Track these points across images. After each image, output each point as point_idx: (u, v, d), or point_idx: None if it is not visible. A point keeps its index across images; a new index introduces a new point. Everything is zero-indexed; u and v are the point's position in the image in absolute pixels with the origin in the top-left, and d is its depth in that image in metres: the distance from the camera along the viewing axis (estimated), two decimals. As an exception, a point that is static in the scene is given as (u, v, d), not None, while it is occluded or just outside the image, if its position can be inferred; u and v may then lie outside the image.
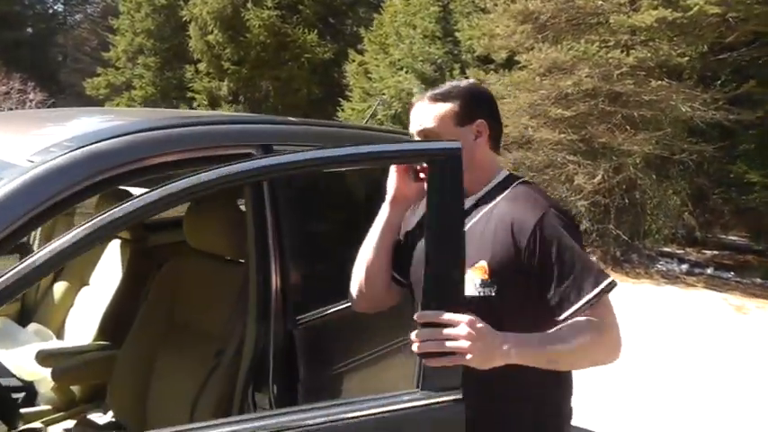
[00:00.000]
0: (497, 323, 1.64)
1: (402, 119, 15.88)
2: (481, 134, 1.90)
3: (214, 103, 20.89)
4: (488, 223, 1.80)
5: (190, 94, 21.55)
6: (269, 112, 18.98)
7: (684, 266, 11.96)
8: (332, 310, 2.22)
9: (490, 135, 1.92)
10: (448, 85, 1.96)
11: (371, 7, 20.45)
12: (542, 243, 1.72)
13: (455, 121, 1.87)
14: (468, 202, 1.84)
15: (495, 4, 12.28)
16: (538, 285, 1.74)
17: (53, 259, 1.29)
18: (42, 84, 22.00)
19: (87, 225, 1.30)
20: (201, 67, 21.51)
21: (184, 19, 21.35)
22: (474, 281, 1.75)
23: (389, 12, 17.56)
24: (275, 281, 2.04)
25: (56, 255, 1.28)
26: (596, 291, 1.71)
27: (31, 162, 1.56)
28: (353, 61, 18.17)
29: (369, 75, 17.35)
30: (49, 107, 16.61)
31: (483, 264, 1.75)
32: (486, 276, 1.75)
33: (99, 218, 1.31)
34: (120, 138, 1.72)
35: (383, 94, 16.05)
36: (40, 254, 1.27)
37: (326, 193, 2.72)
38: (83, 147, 1.62)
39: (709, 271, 11.82)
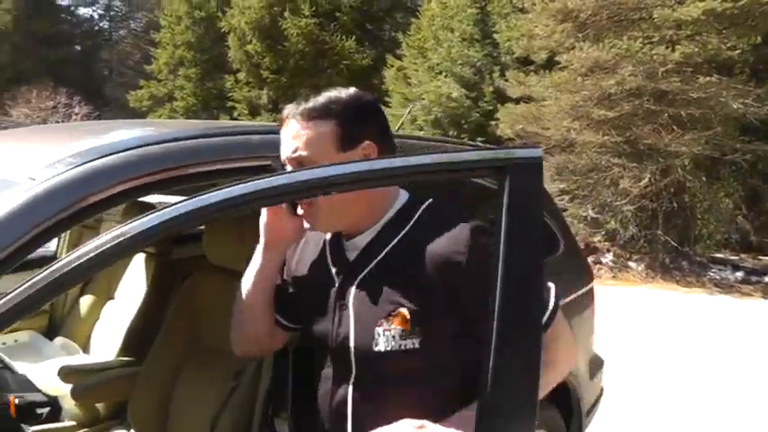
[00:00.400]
0: (424, 381, 1.47)
1: (442, 124, 15.76)
2: (370, 158, 1.54)
3: (254, 111, 21.07)
4: (399, 261, 1.52)
5: (230, 104, 21.83)
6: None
7: (739, 274, 11.46)
8: None
9: (380, 153, 1.55)
10: (325, 97, 1.57)
11: (409, 12, 20.44)
12: (477, 273, 1.43)
13: (336, 145, 1.52)
14: (364, 239, 1.57)
15: (534, 4, 12.12)
16: (474, 325, 1.45)
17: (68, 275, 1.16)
18: (88, 98, 22.55)
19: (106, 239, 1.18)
20: (241, 76, 21.79)
21: (223, 30, 21.68)
22: (392, 333, 1.47)
23: (427, 16, 17.48)
24: None
25: (70, 270, 1.16)
26: (544, 318, 1.49)
27: (33, 180, 1.53)
28: (392, 66, 18.12)
29: (408, 80, 17.27)
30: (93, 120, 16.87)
31: (402, 311, 1.47)
32: (407, 326, 1.46)
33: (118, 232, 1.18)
34: (128, 151, 1.65)
35: (422, 98, 15.94)
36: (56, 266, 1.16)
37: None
38: (85, 162, 1.58)
39: (766, 279, 11.30)
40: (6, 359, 3.24)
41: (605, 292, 8.19)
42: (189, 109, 23.27)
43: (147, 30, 30.12)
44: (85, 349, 3.52)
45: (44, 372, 3.14)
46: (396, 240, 1.54)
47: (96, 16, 36.56)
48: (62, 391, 3.02)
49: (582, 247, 10.01)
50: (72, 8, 34.21)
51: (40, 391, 3.08)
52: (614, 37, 10.88)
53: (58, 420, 3.05)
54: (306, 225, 1.57)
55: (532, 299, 1.39)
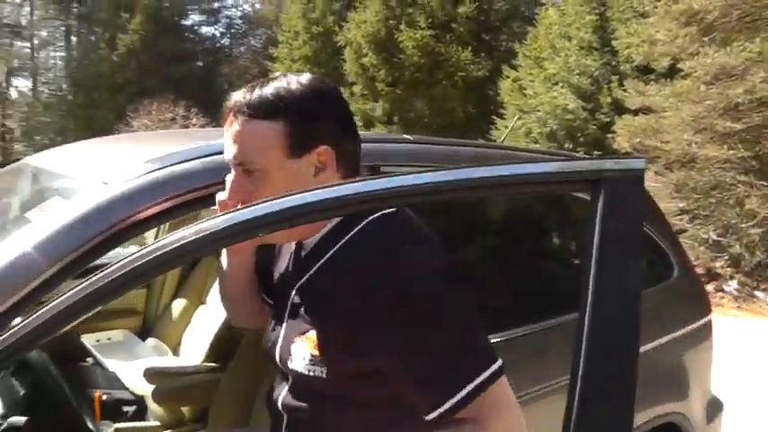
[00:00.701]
0: (333, 413, 1.32)
1: (558, 136, 15.31)
2: (325, 166, 1.34)
3: (369, 124, 21.34)
4: (324, 280, 1.36)
5: (345, 117, 22.10)
6: (423, 132, 19.02)
7: None
8: None
9: (339, 160, 1.35)
10: (273, 87, 1.33)
11: (526, 21, 20.17)
12: (399, 311, 1.23)
13: (285, 150, 1.31)
14: (308, 245, 1.43)
15: (655, 7, 11.60)
16: (390, 371, 1.27)
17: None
18: (207, 110, 23.52)
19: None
20: (356, 89, 22.08)
21: (339, 44, 22.05)
22: (302, 354, 1.33)
23: (544, 24, 17.21)
24: None
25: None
26: (478, 381, 1.23)
27: (105, 184, 1.60)
28: (507, 77, 17.88)
29: (523, 91, 16.98)
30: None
31: (313, 335, 1.32)
32: (317, 352, 1.31)
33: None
34: (201, 159, 1.69)
35: (538, 110, 15.62)
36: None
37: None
38: (160, 169, 1.63)
39: None
40: (98, 356, 3.39)
41: (727, 323, 7.60)
42: (304, 122, 23.89)
43: (266, 46, 31.15)
44: (176, 352, 3.66)
45: (134, 371, 3.23)
46: (327, 256, 1.38)
47: (218, 34, 38.31)
48: (148, 391, 3.10)
49: (701, 273, 9.51)
50: (196, 27, 36.10)
51: (127, 389, 3.18)
52: (745, 40, 10.26)
53: (143, 419, 3.14)
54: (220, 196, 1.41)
55: (625, 342, 1.18)
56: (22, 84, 39.67)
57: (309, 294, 1.38)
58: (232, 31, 38.90)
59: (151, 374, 2.99)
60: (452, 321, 1.27)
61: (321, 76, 1.42)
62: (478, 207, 2.69)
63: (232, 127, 1.34)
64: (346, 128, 1.39)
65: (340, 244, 1.37)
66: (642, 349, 1.21)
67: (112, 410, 2.96)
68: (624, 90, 13.37)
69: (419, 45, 19.95)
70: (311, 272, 1.39)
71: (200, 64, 32.87)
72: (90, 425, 2.05)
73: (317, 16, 24.56)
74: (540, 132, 15.78)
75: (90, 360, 3.33)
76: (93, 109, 27.02)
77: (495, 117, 17.84)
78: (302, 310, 1.37)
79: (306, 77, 1.36)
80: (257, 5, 40.45)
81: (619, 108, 13.78)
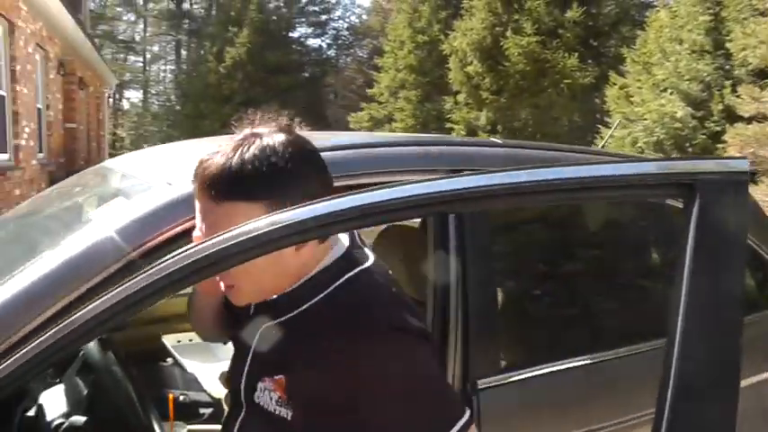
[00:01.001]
0: None
1: (664, 146, 14.85)
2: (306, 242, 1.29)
3: (472, 133, 21.19)
4: (294, 332, 1.35)
5: (448, 125, 22.22)
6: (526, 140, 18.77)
7: None
8: (529, 374, 1.90)
9: None
10: (249, 158, 1.24)
11: (636, 24, 19.53)
12: (364, 392, 1.27)
13: None
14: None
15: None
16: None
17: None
18: (311, 120, 24.00)
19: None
20: (460, 98, 22.08)
21: (444, 53, 22.08)
22: (271, 394, 1.35)
23: (654, 27, 16.55)
24: (455, 333, 1.80)
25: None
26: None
27: (169, 185, 1.59)
28: (614, 85, 17.38)
29: (630, 98, 16.47)
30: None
31: (281, 378, 1.33)
32: (284, 395, 1.33)
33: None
34: None
35: (645, 118, 15.12)
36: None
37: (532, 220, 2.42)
38: None
39: None
40: (178, 357, 3.41)
41: None
42: (407, 129, 23.97)
43: (371, 56, 31.84)
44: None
45: (213, 373, 3.23)
46: (300, 309, 1.35)
47: (324, 45, 39.20)
48: (223, 394, 3.13)
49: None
50: (302, 39, 37.06)
51: (205, 391, 3.20)
52: None
53: (219, 422, 3.20)
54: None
55: (722, 382, 1.05)
56: (133, 95, 41.90)
57: (284, 339, 1.37)
58: (338, 42, 39.71)
59: (225, 378, 2.90)
60: (423, 390, 1.29)
61: (295, 134, 1.34)
62: (567, 218, 2.55)
63: (204, 203, 1.28)
64: (324, 185, 1.33)
65: (314, 301, 1.34)
66: (745, 383, 1.08)
67: (188, 412, 2.97)
68: (738, 96, 12.83)
69: (525, 52, 19.68)
70: (281, 319, 1.38)
71: (306, 75, 33.55)
72: (156, 427, 2.05)
73: (422, 25, 24.79)
74: (647, 142, 15.19)
75: (170, 360, 3.39)
76: (199, 119, 27.97)
77: (600, 126, 17.39)
78: (275, 350, 1.37)
79: (280, 140, 1.28)
80: (364, 16, 41.24)
81: (731, 116, 13.22)
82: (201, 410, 3.11)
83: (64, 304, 1.39)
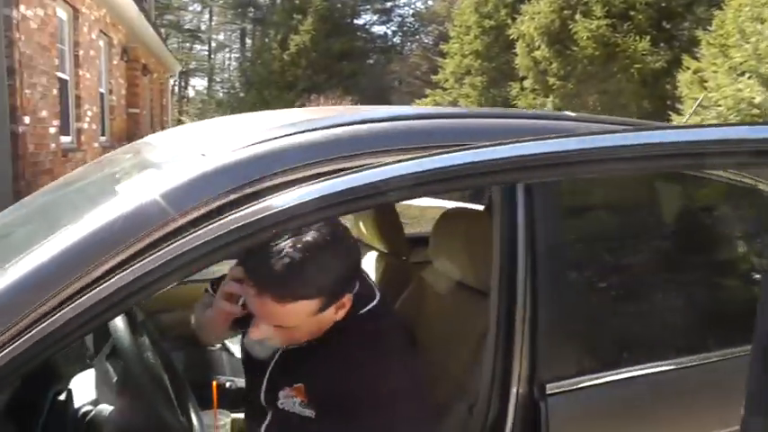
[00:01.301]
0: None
1: (741, 132, 14.28)
2: (345, 305, 1.55)
3: (538, 120, 20.93)
4: (311, 351, 1.62)
5: (514, 112, 21.95)
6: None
7: None
8: (606, 379, 1.77)
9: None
10: (298, 261, 1.39)
11: (713, 4, 18.72)
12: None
13: (316, 312, 1.49)
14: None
15: None
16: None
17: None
18: (375, 105, 24.25)
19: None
20: (527, 83, 21.80)
21: (511, 38, 21.85)
22: (293, 400, 1.61)
23: (733, 6, 15.73)
24: (521, 330, 1.68)
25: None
26: None
27: (203, 156, 1.51)
28: (687, 69, 16.77)
29: (704, 83, 15.86)
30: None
31: (300, 386, 1.60)
32: (305, 399, 1.59)
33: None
34: (317, 131, 1.52)
35: (719, 105, 14.53)
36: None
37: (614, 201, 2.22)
38: (259, 143, 1.49)
39: None
40: (227, 342, 3.36)
41: None
42: (472, 117, 23.91)
43: (437, 42, 31.75)
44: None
45: None
46: (327, 348, 1.60)
47: (390, 32, 39.64)
48: None
49: None
50: (367, 26, 37.55)
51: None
52: None
53: None
54: (255, 334, 1.57)
55: None
56: (198, 83, 42.60)
57: (296, 359, 1.63)
58: (404, 28, 39.85)
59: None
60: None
61: (332, 226, 1.47)
62: (655, 203, 2.32)
63: (261, 300, 1.46)
64: (357, 266, 1.58)
65: (339, 345, 1.59)
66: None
67: (234, 399, 2.83)
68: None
69: (594, 36, 19.25)
70: (303, 344, 1.61)
71: (371, 61, 33.74)
72: (195, 418, 2.00)
73: (489, 10, 24.53)
74: (721, 128, 14.72)
75: (218, 345, 3.32)
76: (263, 106, 28.29)
77: (671, 113, 16.89)
78: (287, 367, 1.64)
79: (323, 237, 1.42)
80: (429, 2, 41.13)
81: (814, 101, 12.57)
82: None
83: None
